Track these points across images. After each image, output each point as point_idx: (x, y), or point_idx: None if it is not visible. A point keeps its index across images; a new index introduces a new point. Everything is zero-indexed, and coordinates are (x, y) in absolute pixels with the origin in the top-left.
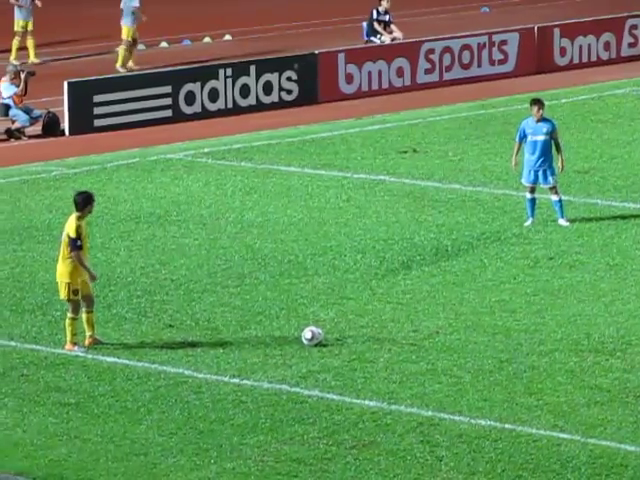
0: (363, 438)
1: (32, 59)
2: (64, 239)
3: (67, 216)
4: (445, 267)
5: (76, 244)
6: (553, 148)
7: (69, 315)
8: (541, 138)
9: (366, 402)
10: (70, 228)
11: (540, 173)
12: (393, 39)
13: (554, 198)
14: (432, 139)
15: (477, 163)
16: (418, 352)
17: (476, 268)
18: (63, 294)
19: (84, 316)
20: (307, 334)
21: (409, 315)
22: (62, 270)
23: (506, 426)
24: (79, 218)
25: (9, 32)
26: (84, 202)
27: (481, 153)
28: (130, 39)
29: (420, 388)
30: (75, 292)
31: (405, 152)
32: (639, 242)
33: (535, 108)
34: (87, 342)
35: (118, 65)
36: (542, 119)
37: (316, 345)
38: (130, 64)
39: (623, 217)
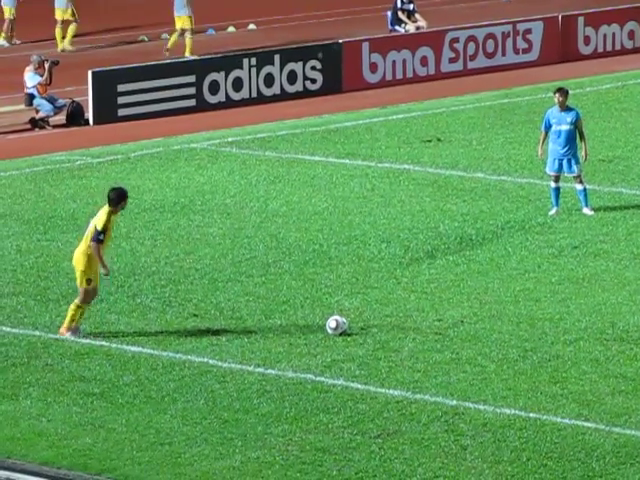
0: (387, 427)
1: (61, 47)
2: (90, 228)
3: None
4: (469, 256)
5: (98, 237)
6: (577, 137)
7: (75, 301)
8: (565, 127)
9: (390, 391)
10: (99, 220)
11: (565, 162)
12: (417, 28)
13: (578, 187)
14: (456, 128)
15: (501, 152)
16: (442, 341)
17: (500, 257)
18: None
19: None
20: (332, 323)
21: (433, 304)
22: (79, 257)
23: (531, 415)
24: (111, 213)
25: (39, 21)
26: (118, 198)
27: (505, 142)
28: (184, 27)
29: (444, 377)
30: (89, 281)
31: (429, 141)
32: None
33: (559, 97)
34: (60, 331)
35: (187, 53)
36: (566, 108)
37: (340, 334)
38: (167, 53)
39: None
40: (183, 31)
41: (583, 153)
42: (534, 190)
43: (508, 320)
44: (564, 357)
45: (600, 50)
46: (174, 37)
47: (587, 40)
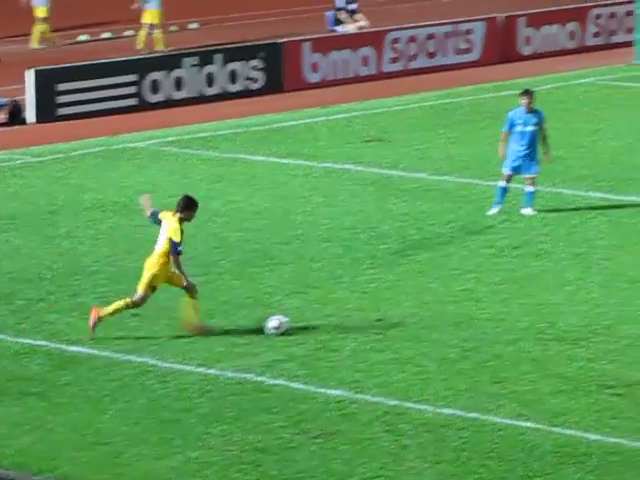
0: (328, 427)
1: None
2: (164, 240)
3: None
4: (410, 256)
5: (177, 249)
6: (539, 139)
7: (129, 299)
8: (530, 129)
9: (331, 391)
10: (173, 230)
11: (525, 163)
12: (359, 28)
13: (529, 189)
14: (398, 128)
15: (442, 152)
16: (383, 341)
17: (441, 257)
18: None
19: (189, 301)
20: (273, 323)
21: (374, 304)
22: (152, 262)
23: (471, 415)
24: (179, 220)
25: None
26: (183, 205)
27: (447, 142)
28: (153, 22)
29: (385, 377)
30: (153, 288)
31: (371, 141)
32: (603, 231)
33: (526, 99)
34: (191, 329)
35: (161, 47)
36: (532, 110)
37: (282, 334)
38: (142, 45)
39: (588, 206)
40: (153, 26)
41: (546, 155)
42: (475, 190)
43: (449, 320)
44: (504, 357)
45: (541, 50)
46: (144, 33)
47: (528, 40)
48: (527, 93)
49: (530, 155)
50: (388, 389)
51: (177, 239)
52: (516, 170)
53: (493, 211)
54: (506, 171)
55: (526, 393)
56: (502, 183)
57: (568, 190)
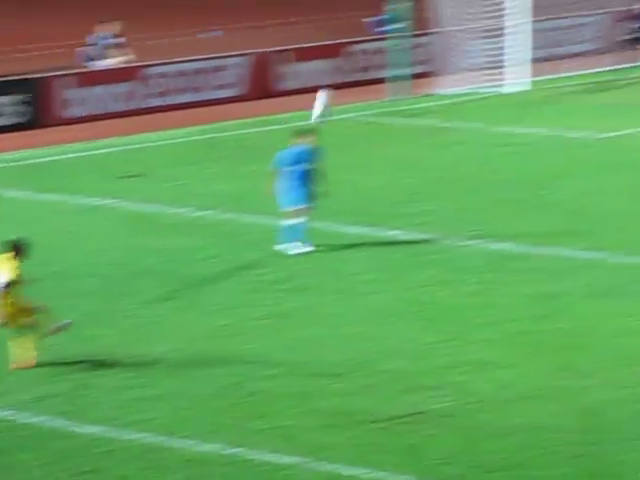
0: (88, 465)
1: None
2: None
3: None
4: (172, 292)
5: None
6: (315, 175)
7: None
8: (306, 167)
9: (91, 428)
10: (13, 269)
11: (304, 199)
12: (123, 62)
13: (302, 222)
14: (159, 163)
15: (205, 187)
16: (145, 377)
17: (203, 293)
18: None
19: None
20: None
21: (135, 340)
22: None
23: (233, 450)
24: (19, 262)
25: None
26: (15, 251)
27: (210, 177)
28: None
29: (147, 413)
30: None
31: (132, 176)
32: (365, 266)
33: (307, 138)
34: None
35: None
36: (307, 148)
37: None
38: None
39: (351, 241)
40: None
41: (321, 189)
42: (238, 225)
43: (210, 356)
44: (267, 392)
45: (305, 85)
46: None
47: (292, 75)
48: (303, 132)
49: (308, 191)
50: (149, 425)
51: (10, 276)
52: (301, 205)
53: (300, 250)
54: (288, 208)
55: (287, 428)
56: (289, 221)
57: (331, 225)
